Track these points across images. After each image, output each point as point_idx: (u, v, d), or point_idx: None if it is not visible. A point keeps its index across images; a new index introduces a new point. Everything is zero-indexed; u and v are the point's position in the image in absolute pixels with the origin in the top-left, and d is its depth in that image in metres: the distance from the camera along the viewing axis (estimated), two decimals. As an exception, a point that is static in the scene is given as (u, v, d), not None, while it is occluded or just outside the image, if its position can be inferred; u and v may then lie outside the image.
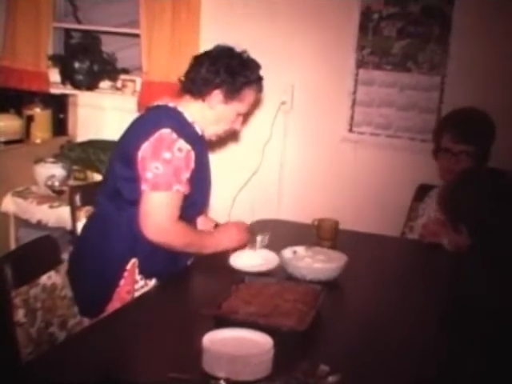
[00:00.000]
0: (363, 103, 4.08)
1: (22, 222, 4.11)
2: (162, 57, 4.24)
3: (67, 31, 4.92)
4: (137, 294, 2.52)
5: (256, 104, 2.76)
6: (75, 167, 4.26)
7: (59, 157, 4.23)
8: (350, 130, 4.13)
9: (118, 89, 4.59)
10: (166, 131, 2.44)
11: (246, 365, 1.77)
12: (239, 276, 2.43)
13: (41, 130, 4.34)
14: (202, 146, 2.60)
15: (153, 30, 4.24)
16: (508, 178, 2.43)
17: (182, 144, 2.45)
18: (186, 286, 2.56)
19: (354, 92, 4.08)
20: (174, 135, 2.45)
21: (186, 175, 2.48)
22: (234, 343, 1.88)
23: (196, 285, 2.61)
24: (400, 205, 3.61)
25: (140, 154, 2.44)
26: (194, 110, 2.57)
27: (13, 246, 4.06)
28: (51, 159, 4.20)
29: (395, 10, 3.93)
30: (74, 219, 2.93)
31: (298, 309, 2.13)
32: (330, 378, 1.76)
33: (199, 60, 2.60)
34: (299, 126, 4.22)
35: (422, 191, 3.48)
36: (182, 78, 2.62)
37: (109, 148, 3.64)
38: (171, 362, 1.87)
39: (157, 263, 2.55)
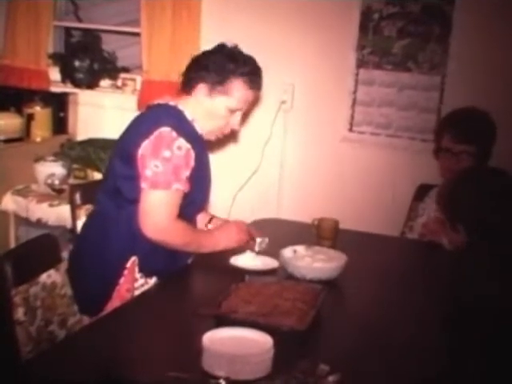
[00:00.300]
0: (363, 103, 4.08)
1: (22, 221, 4.11)
2: (162, 55, 4.24)
3: (67, 30, 4.93)
4: (137, 292, 2.52)
5: (254, 103, 2.72)
6: (75, 166, 4.26)
7: (59, 155, 4.23)
8: (350, 130, 4.13)
9: (118, 87, 4.60)
10: (165, 129, 2.44)
11: (246, 364, 1.77)
12: (239, 275, 2.43)
13: (41, 129, 4.34)
14: (201, 144, 2.60)
15: (153, 29, 4.24)
16: (508, 177, 2.43)
17: (181, 142, 2.45)
18: (186, 285, 2.56)
19: (355, 91, 4.08)
20: (174, 134, 2.44)
21: (186, 173, 2.48)
22: (233, 342, 1.88)
23: (196, 284, 2.61)
24: (400, 204, 3.61)
25: (140, 152, 2.44)
26: (192, 108, 2.57)
27: (13, 244, 4.06)
28: (51, 158, 4.20)
29: (395, 9, 3.93)
30: (74, 218, 2.93)
31: (298, 308, 2.12)
32: (330, 378, 1.76)
33: (194, 58, 2.61)
34: (299, 125, 4.22)
35: (422, 191, 3.48)
36: (181, 77, 2.63)
37: (109, 146, 3.64)
38: (171, 361, 1.87)
39: (157, 261, 2.55)
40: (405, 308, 2.39)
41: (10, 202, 4.07)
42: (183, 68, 2.64)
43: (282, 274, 2.55)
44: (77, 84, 4.56)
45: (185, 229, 2.55)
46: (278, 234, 2.98)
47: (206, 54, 2.60)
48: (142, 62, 4.35)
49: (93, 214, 2.71)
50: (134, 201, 2.48)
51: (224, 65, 2.53)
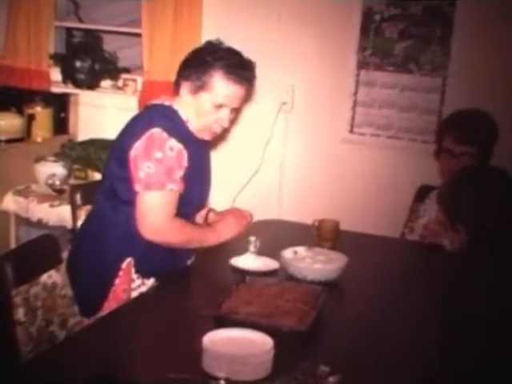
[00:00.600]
0: (364, 104, 4.08)
1: (23, 221, 4.11)
2: (163, 56, 4.24)
3: (69, 30, 4.92)
4: (134, 293, 2.52)
5: (245, 100, 2.66)
6: (76, 166, 4.26)
7: (60, 156, 4.24)
8: (351, 131, 4.13)
9: (119, 88, 4.60)
10: (156, 130, 2.43)
11: (246, 365, 1.77)
12: (240, 276, 2.43)
13: (42, 129, 4.35)
14: (197, 144, 2.58)
15: (154, 30, 4.24)
16: (508, 177, 2.43)
17: (173, 143, 2.44)
18: (186, 286, 2.56)
19: (355, 93, 4.08)
20: (165, 134, 2.43)
21: (180, 174, 2.47)
22: (234, 343, 1.88)
23: (197, 284, 2.61)
24: (400, 206, 3.61)
25: (132, 153, 2.44)
26: (184, 108, 2.55)
27: (13, 244, 4.06)
28: (52, 158, 4.20)
29: (397, 11, 3.93)
30: (75, 218, 2.93)
31: (299, 309, 2.12)
32: (331, 379, 1.76)
33: (183, 58, 2.60)
34: (300, 126, 4.22)
35: (423, 192, 3.48)
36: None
37: (110, 147, 3.62)
38: (171, 361, 1.87)
39: (153, 263, 2.55)
40: (405, 309, 2.39)
41: (11, 203, 4.07)
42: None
43: (283, 275, 2.55)
44: (78, 84, 4.56)
45: (183, 226, 2.54)
46: (278, 235, 2.98)
47: (191, 52, 2.59)
48: (142, 62, 4.35)
49: (91, 214, 2.70)
50: (129, 202, 2.48)
51: (203, 60, 2.50)
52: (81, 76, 4.53)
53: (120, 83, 4.59)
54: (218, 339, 1.87)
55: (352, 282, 2.57)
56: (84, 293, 2.44)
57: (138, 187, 2.44)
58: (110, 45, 4.73)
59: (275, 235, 3.00)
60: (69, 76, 4.57)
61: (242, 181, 4.25)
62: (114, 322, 2.16)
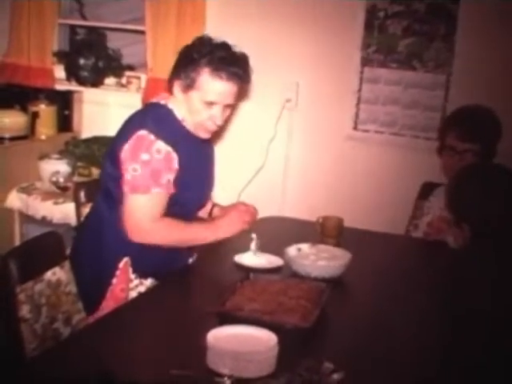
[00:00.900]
0: (368, 101, 4.08)
1: (27, 218, 4.11)
2: (166, 53, 4.22)
3: (72, 27, 4.93)
4: (132, 293, 2.52)
5: (241, 97, 2.60)
6: (80, 163, 4.26)
7: (64, 153, 4.24)
8: (355, 128, 4.13)
9: (122, 85, 4.60)
10: (143, 133, 2.40)
11: (250, 362, 1.77)
12: (244, 273, 2.43)
13: (46, 127, 4.34)
14: (195, 143, 2.54)
15: (158, 27, 4.24)
16: None
17: (160, 145, 2.40)
18: (189, 284, 2.56)
19: (359, 90, 4.08)
20: (152, 136, 2.40)
21: (168, 177, 2.43)
22: (238, 340, 1.88)
23: (201, 281, 2.61)
24: (404, 202, 3.60)
25: (122, 155, 2.42)
26: (179, 107, 2.52)
27: (17, 241, 4.06)
28: (56, 155, 4.20)
29: (401, 7, 3.93)
30: (79, 215, 2.94)
31: (303, 306, 2.13)
32: (334, 376, 1.76)
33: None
34: (304, 123, 4.22)
35: (427, 189, 3.47)
36: None
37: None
38: (175, 358, 1.87)
39: (150, 263, 2.54)
40: (409, 306, 2.39)
41: (15, 200, 4.07)
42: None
43: (287, 272, 2.55)
44: (81, 82, 4.56)
45: (171, 227, 2.49)
46: (282, 231, 2.98)
47: (181, 49, 2.55)
48: (146, 59, 4.35)
49: (90, 213, 2.70)
50: (122, 202, 2.46)
51: (191, 57, 2.45)
52: (84, 73, 4.54)
53: (124, 80, 4.60)
54: (223, 336, 1.88)
55: (356, 279, 2.57)
56: (85, 290, 2.44)
57: (125, 188, 2.43)
58: (113, 42, 4.73)
59: (279, 232, 3.00)
60: (73, 73, 4.57)
61: (245, 178, 4.25)
62: (118, 320, 2.16)
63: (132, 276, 2.54)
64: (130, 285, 2.53)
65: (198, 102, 2.46)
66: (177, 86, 2.49)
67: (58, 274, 2.30)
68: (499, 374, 1.90)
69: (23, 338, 2.10)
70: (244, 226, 2.60)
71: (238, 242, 2.67)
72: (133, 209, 2.42)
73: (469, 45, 3.82)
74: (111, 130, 4.27)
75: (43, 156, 4.17)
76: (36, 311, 2.16)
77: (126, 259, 2.52)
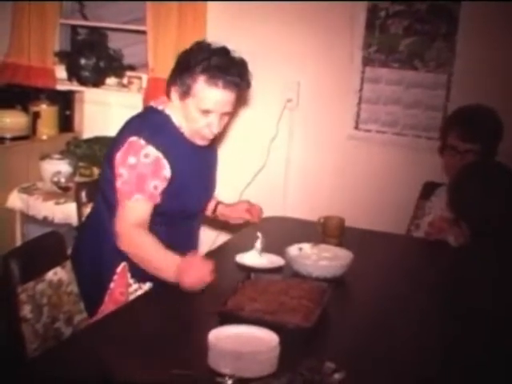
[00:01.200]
0: (369, 101, 4.07)
1: (28, 219, 4.11)
2: (168, 54, 4.23)
3: (74, 28, 4.92)
4: (132, 297, 2.50)
5: (240, 104, 2.56)
6: (81, 164, 4.26)
7: (65, 153, 4.24)
8: (356, 128, 4.12)
9: (124, 85, 4.60)
10: (133, 138, 2.40)
11: (252, 361, 1.77)
12: (245, 273, 2.43)
13: (47, 127, 4.34)
14: (193, 149, 2.52)
15: (159, 27, 4.24)
16: None
17: (149, 150, 2.38)
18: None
19: (361, 89, 4.08)
20: (142, 141, 2.38)
21: (154, 183, 2.39)
22: (239, 340, 1.88)
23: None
24: (406, 202, 3.60)
25: (115, 160, 2.42)
26: (176, 113, 2.50)
27: (19, 242, 4.06)
28: (57, 156, 4.20)
29: (402, 7, 3.93)
30: (80, 216, 2.93)
31: (304, 306, 2.13)
32: (336, 375, 1.76)
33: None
34: (305, 123, 4.21)
35: (428, 189, 3.47)
36: None
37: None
38: (177, 358, 1.87)
39: None
40: (410, 306, 2.39)
41: (17, 200, 4.07)
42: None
43: (288, 272, 2.55)
44: (83, 82, 4.56)
45: (142, 244, 2.38)
46: (283, 231, 2.98)
47: (179, 54, 2.52)
48: (147, 60, 4.35)
49: (90, 213, 2.71)
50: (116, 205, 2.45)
51: (188, 64, 2.42)
52: (86, 73, 4.54)
53: (125, 81, 4.60)
54: (224, 336, 1.88)
55: (357, 279, 2.57)
56: (86, 290, 2.44)
57: (117, 195, 2.42)
58: (115, 42, 4.73)
59: (280, 232, 3.00)
60: (74, 73, 4.57)
61: (247, 178, 4.25)
62: (120, 320, 2.16)
63: (131, 281, 2.53)
64: (129, 289, 2.53)
65: (195, 110, 2.43)
66: (174, 92, 2.47)
67: (59, 274, 2.31)
68: (500, 373, 1.90)
69: (24, 338, 2.10)
70: (200, 284, 2.26)
71: (240, 242, 2.67)
72: (117, 214, 2.41)
73: (470, 44, 3.82)
74: (112, 130, 4.26)
75: (44, 156, 4.17)
76: (37, 311, 2.17)
77: (123, 264, 2.51)
